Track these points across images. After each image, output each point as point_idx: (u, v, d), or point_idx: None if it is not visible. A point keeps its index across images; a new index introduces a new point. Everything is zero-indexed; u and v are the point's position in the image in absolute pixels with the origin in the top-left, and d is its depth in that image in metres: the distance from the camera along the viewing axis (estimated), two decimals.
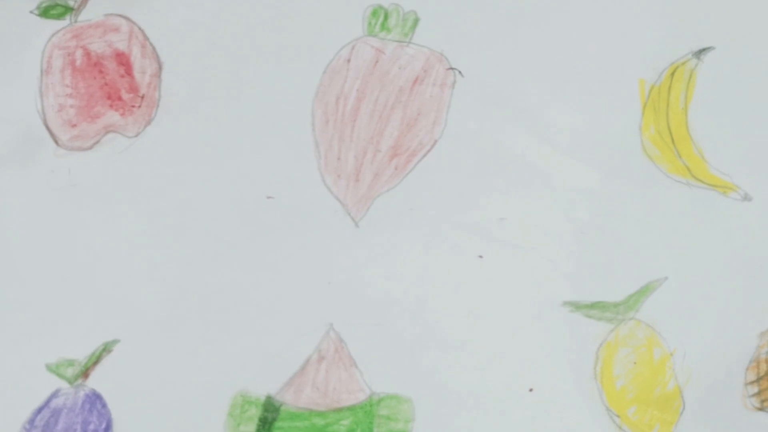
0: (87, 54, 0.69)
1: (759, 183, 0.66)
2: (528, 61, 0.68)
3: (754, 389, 0.64)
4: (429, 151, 0.67)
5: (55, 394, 0.65)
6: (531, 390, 0.64)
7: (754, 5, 0.68)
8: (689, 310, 0.65)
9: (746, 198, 0.66)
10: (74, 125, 0.68)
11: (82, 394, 0.65)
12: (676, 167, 0.67)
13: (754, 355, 0.65)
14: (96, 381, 0.65)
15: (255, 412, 0.64)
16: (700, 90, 0.67)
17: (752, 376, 0.64)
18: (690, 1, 0.68)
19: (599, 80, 0.67)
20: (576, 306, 0.65)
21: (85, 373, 0.65)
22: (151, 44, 0.69)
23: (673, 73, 0.67)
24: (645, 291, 0.65)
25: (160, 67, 0.69)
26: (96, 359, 0.65)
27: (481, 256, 0.66)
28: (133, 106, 0.68)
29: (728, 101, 0.67)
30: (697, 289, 0.65)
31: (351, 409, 0.64)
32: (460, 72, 0.68)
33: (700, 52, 0.68)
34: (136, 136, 0.68)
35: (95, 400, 0.65)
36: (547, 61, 0.68)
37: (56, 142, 0.68)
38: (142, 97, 0.68)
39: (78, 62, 0.69)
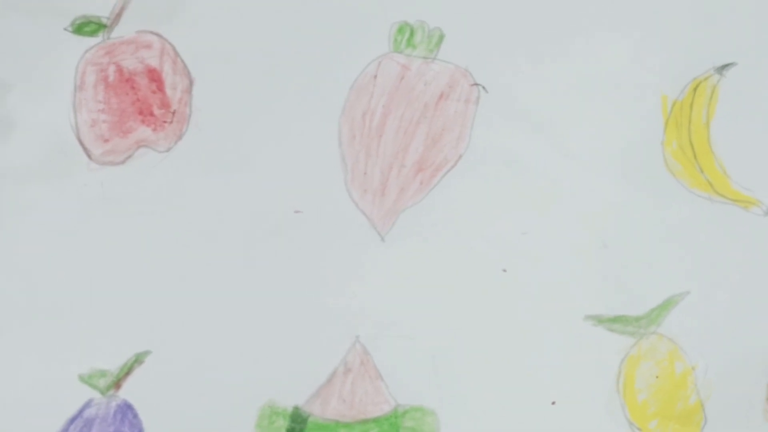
0: (119, 70, 0.70)
1: None
2: (551, 77, 0.68)
3: None
4: (453, 166, 0.68)
5: (87, 405, 0.66)
6: (553, 403, 0.65)
7: None
8: (711, 324, 0.65)
9: None
10: (107, 140, 0.69)
11: (114, 404, 0.66)
12: (698, 182, 0.67)
13: None
14: (128, 391, 0.66)
15: (282, 423, 0.65)
16: (723, 105, 0.68)
17: None
18: (712, 17, 0.68)
19: (622, 95, 0.68)
20: (598, 320, 0.66)
21: (117, 384, 0.66)
22: (182, 61, 0.70)
23: (695, 89, 0.68)
24: (667, 305, 0.66)
25: (191, 83, 0.70)
26: (128, 370, 0.66)
27: (504, 270, 0.67)
28: (164, 122, 0.69)
29: (750, 116, 0.67)
30: (718, 304, 0.66)
31: (376, 420, 0.65)
32: (484, 88, 0.69)
33: (722, 68, 0.68)
34: (168, 151, 0.69)
35: (127, 410, 0.66)
36: (571, 76, 0.68)
37: (89, 156, 0.69)
38: (174, 113, 0.70)
39: (111, 78, 0.70)
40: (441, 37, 0.69)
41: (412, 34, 0.69)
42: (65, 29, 0.71)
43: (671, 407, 0.65)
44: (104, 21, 0.71)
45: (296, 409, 0.66)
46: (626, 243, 0.67)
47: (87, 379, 0.66)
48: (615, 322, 0.66)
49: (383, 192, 0.68)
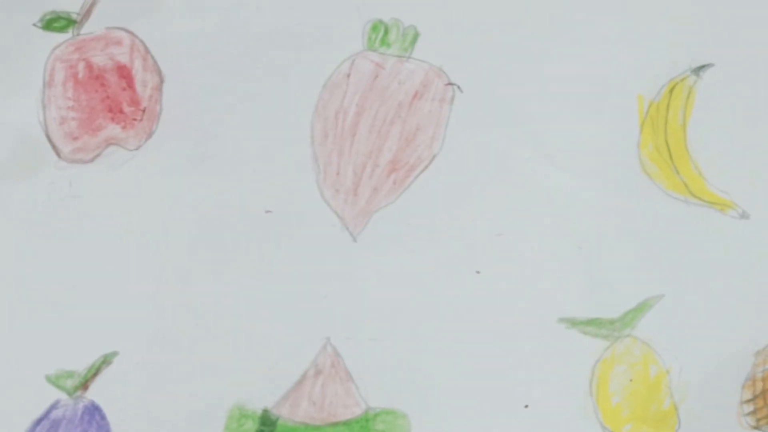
0: (89, 67, 0.69)
1: (757, 201, 0.66)
2: (527, 77, 0.68)
3: (750, 408, 0.64)
4: (427, 166, 0.67)
5: (54, 406, 0.65)
6: (526, 406, 0.64)
7: (754, 23, 0.68)
8: (686, 327, 0.65)
9: (744, 216, 0.66)
10: (76, 138, 0.68)
11: (81, 405, 0.65)
12: (674, 184, 0.67)
13: (750, 373, 0.65)
14: (95, 393, 0.65)
15: (251, 426, 0.65)
16: (699, 107, 0.67)
17: (748, 395, 0.64)
18: (689, 18, 0.68)
19: (598, 96, 0.67)
20: (572, 322, 0.65)
21: (84, 385, 0.65)
22: (152, 57, 0.69)
23: (672, 90, 0.67)
24: (642, 308, 0.65)
25: (161, 81, 0.69)
26: (95, 371, 0.66)
27: (478, 272, 0.66)
28: (134, 119, 0.69)
29: (727, 118, 0.67)
30: (693, 307, 0.65)
31: (347, 423, 0.65)
32: (459, 87, 0.68)
33: (699, 69, 0.67)
34: (137, 149, 0.68)
35: (94, 411, 0.65)
36: (546, 77, 0.68)
37: (58, 154, 0.68)
38: (143, 111, 0.69)
39: (80, 75, 0.69)
40: (415, 36, 0.69)
41: (386, 32, 0.69)
42: (34, 25, 0.70)
43: (645, 411, 0.64)
44: (74, 17, 0.70)
45: (265, 411, 0.65)
46: (601, 245, 0.66)
47: (54, 380, 0.66)
48: (589, 324, 0.65)
49: (356, 192, 0.67)
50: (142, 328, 0.66)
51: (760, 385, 0.64)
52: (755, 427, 0.64)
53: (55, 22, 0.70)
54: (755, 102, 0.67)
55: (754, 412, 0.64)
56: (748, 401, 0.64)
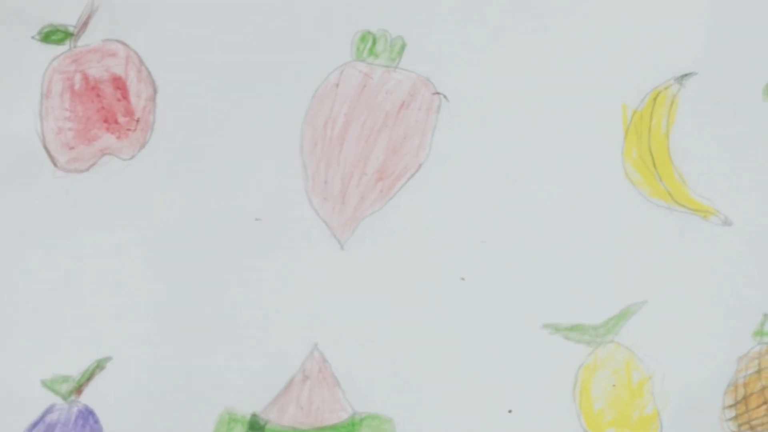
0: (85, 78, 0.71)
1: (739, 208, 0.66)
2: (512, 86, 0.68)
3: (732, 413, 0.65)
4: (414, 174, 0.68)
5: (49, 410, 0.67)
6: (510, 411, 0.65)
7: (736, 31, 0.68)
8: (668, 333, 0.65)
9: (726, 223, 0.66)
10: (72, 148, 0.70)
11: (75, 409, 0.67)
12: (657, 191, 0.67)
13: (732, 379, 0.65)
14: (89, 397, 0.67)
15: (240, 430, 0.66)
16: (682, 115, 0.68)
17: (730, 401, 0.65)
18: (673, 27, 0.68)
19: (582, 105, 0.68)
20: (555, 328, 0.66)
21: (78, 390, 0.67)
22: (146, 69, 0.70)
23: (655, 98, 0.68)
24: (624, 314, 0.66)
25: (155, 92, 0.70)
26: (89, 376, 0.67)
27: (463, 278, 0.67)
28: (128, 130, 0.70)
29: (710, 127, 0.67)
30: (676, 313, 0.66)
31: (333, 428, 0.66)
32: (445, 97, 0.69)
33: (682, 78, 0.68)
34: (131, 158, 0.70)
35: (88, 415, 0.67)
36: (531, 86, 0.68)
37: (54, 163, 0.70)
38: (138, 121, 0.70)
39: (77, 86, 0.71)
40: (403, 46, 0.69)
41: (374, 42, 0.70)
42: (33, 37, 0.71)
43: (628, 416, 0.65)
44: (71, 29, 0.71)
45: (254, 416, 0.66)
46: (585, 252, 0.67)
47: (49, 385, 0.67)
48: (572, 330, 0.66)
49: (343, 200, 0.68)
50: (135, 334, 0.67)
51: (742, 391, 0.65)
52: None
53: (52, 35, 0.71)
54: (738, 110, 0.67)
55: (735, 418, 0.64)
56: (730, 407, 0.65)
